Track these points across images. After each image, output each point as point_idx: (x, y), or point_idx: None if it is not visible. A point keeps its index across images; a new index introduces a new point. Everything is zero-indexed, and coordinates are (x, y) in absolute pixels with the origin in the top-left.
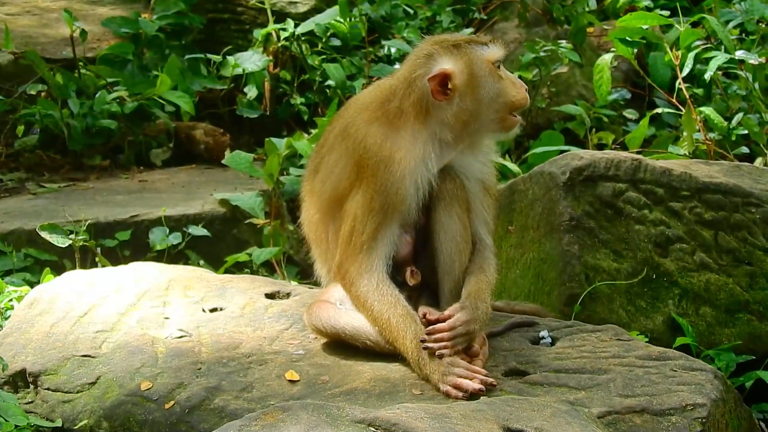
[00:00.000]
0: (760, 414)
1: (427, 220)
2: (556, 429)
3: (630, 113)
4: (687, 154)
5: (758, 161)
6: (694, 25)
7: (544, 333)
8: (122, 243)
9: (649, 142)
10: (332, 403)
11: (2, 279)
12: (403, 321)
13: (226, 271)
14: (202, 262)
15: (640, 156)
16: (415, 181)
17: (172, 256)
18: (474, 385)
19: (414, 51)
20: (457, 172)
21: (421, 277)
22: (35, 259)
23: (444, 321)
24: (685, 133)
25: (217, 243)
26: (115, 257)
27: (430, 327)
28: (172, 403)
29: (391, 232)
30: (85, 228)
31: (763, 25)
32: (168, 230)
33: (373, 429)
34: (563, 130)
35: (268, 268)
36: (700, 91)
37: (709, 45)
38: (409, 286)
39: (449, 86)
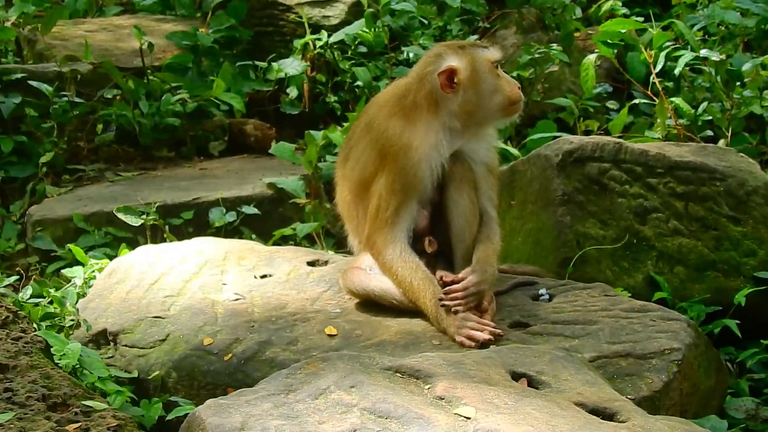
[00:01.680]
0: (727, 356)
1: (441, 198)
2: (554, 372)
3: (612, 104)
4: (661, 137)
5: (721, 142)
6: (665, 28)
7: (542, 291)
8: (186, 222)
9: (629, 128)
10: (364, 354)
11: (86, 254)
12: (423, 283)
13: (274, 244)
14: (254, 236)
15: (621, 140)
16: (429, 165)
17: (229, 232)
18: (484, 335)
19: (426, 53)
20: (465, 157)
21: (437, 245)
22: (114, 236)
23: (458, 282)
24: (658, 120)
25: (266, 220)
26: (180, 234)
27: (446, 288)
28: (230, 355)
29: (410, 208)
30: (154, 209)
31: (723, 28)
32: (224, 210)
33: (399, 375)
34: (556, 119)
35: (309, 240)
36: (670, 84)
37: (677, 45)
38: (428, 254)
39: (455, 80)
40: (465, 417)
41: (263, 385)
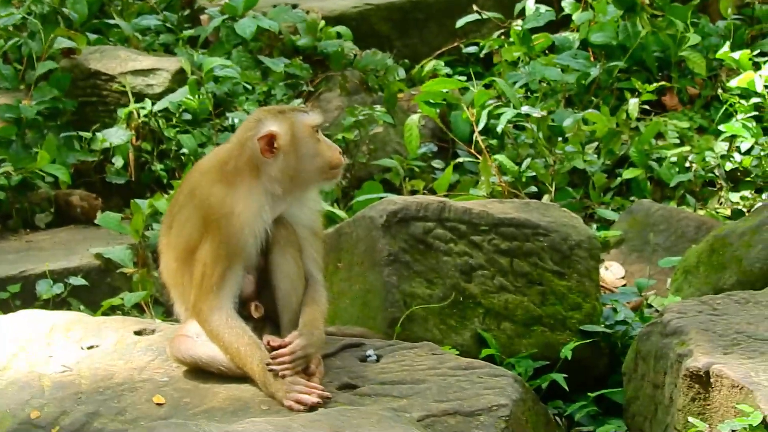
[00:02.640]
0: (555, 410)
1: (266, 262)
2: None
3: (437, 163)
4: (485, 195)
5: (545, 198)
6: (487, 86)
7: (370, 352)
8: (14, 295)
9: (455, 187)
10: (192, 422)
11: None
12: (249, 348)
13: (103, 314)
14: (82, 307)
15: (445, 199)
16: (252, 231)
17: (57, 303)
18: (312, 399)
19: (247, 118)
20: (288, 221)
21: (263, 310)
22: None
23: (285, 347)
24: (482, 178)
25: (95, 291)
26: (7, 308)
27: (274, 352)
28: (57, 428)
29: (235, 274)
30: None
31: (545, 84)
32: (52, 282)
33: None
34: (382, 180)
35: (139, 309)
36: (495, 142)
37: (500, 103)
38: (254, 319)
39: (275, 145)
40: None
41: None
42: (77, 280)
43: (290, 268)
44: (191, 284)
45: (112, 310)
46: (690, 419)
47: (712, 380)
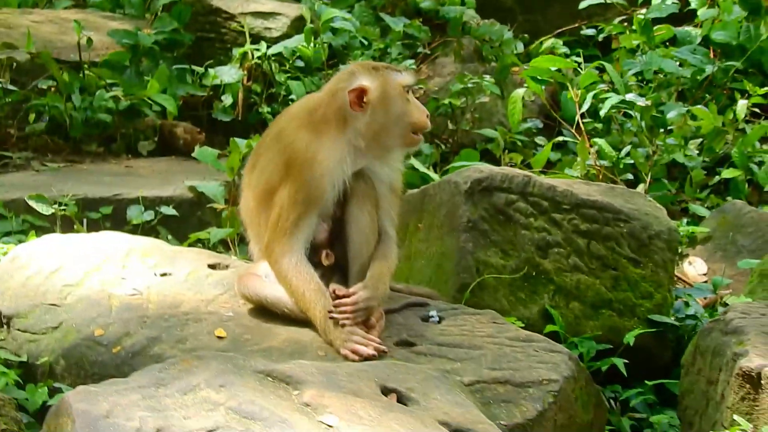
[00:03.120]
0: (613, 393)
1: (342, 213)
2: (425, 390)
3: (540, 140)
4: (579, 176)
5: (640, 187)
6: (601, 71)
7: (432, 312)
8: (105, 216)
9: (555, 165)
10: (239, 355)
11: (1, 239)
12: (314, 294)
13: (189, 246)
14: (170, 237)
15: (531, 173)
16: (332, 180)
17: (146, 230)
18: (368, 350)
19: (341, 70)
20: (368, 175)
21: (334, 259)
22: (30, 224)
23: (349, 297)
24: (579, 159)
25: (184, 222)
26: (97, 228)
27: (337, 301)
28: (119, 348)
29: (310, 221)
30: (69, 200)
31: (662, 76)
32: (143, 208)
33: (270, 379)
34: (483, 150)
35: (224, 246)
36: (600, 125)
37: (607, 88)
38: (324, 266)
39: (365, 99)
40: (327, 425)
41: (135, 376)
42: (168, 210)
43: (365, 221)
44: (267, 225)
45: (200, 244)
46: (735, 417)
47: (763, 381)
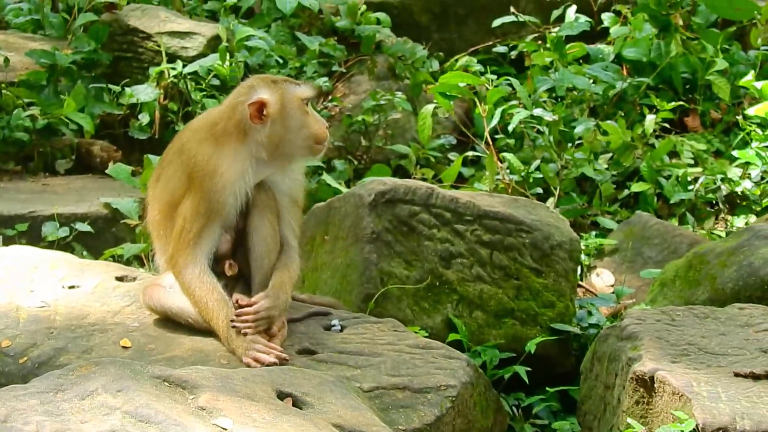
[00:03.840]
0: (516, 401)
1: (245, 224)
2: (320, 394)
3: (453, 156)
4: (488, 190)
5: (549, 201)
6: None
7: (335, 321)
8: (20, 233)
9: (467, 180)
10: (137, 362)
11: None
12: (217, 304)
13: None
14: (85, 253)
15: (434, 186)
16: (234, 191)
17: (62, 246)
18: (269, 358)
19: (241, 84)
20: (270, 186)
21: (237, 269)
22: None
23: (251, 306)
24: (487, 173)
25: (99, 238)
26: (14, 244)
27: (239, 310)
28: (25, 359)
29: (213, 232)
30: None
31: (574, 92)
32: (59, 225)
33: (167, 384)
34: (397, 166)
35: (138, 261)
36: (512, 141)
37: (518, 104)
38: (227, 277)
39: (264, 112)
40: (222, 428)
41: (35, 382)
42: (83, 226)
43: (266, 232)
44: (171, 237)
45: (113, 260)
46: (629, 420)
47: (656, 385)
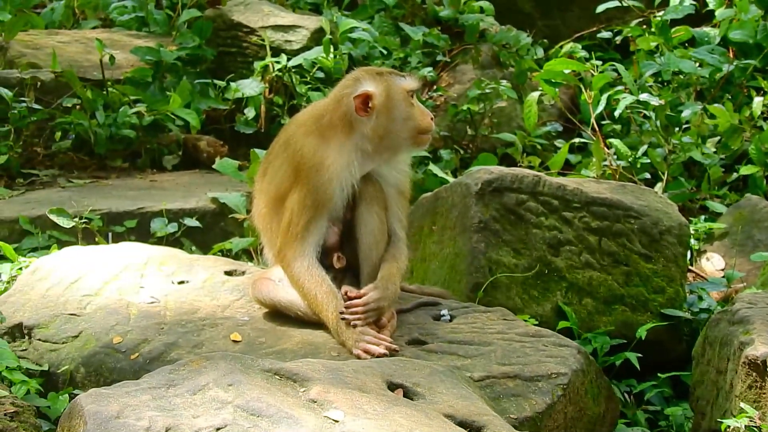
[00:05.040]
0: (628, 387)
1: (352, 216)
2: (431, 384)
3: (560, 143)
4: (595, 176)
5: (658, 186)
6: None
7: (444, 311)
8: (129, 230)
9: (575, 168)
10: (247, 356)
11: (28, 255)
12: (326, 296)
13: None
14: (194, 248)
15: (541, 173)
16: (340, 183)
17: (171, 242)
18: (379, 349)
19: (346, 76)
20: (376, 178)
21: (345, 261)
22: (57, 239)
23: (360, 298)
24: (594, 160)
25: (207, 233)
26: (123, 241)
27: (348, 302)
28: (137, 354)
29: (320, 224)
30: (96, 215)
31: (680, 76)
32: (167, 220)
33: (277, 377)
34: (504, 155)
35: (247, 255)
36: (618, 127)
37: (624, 89)
38: (336, 269)
39: (370, 105)
40: (333, 420)
41: (146, 378)
42: (191, 221)
43: (374, 224)
44: (279, 230)
45: (222, 254)
46: (742, 405)
47: None
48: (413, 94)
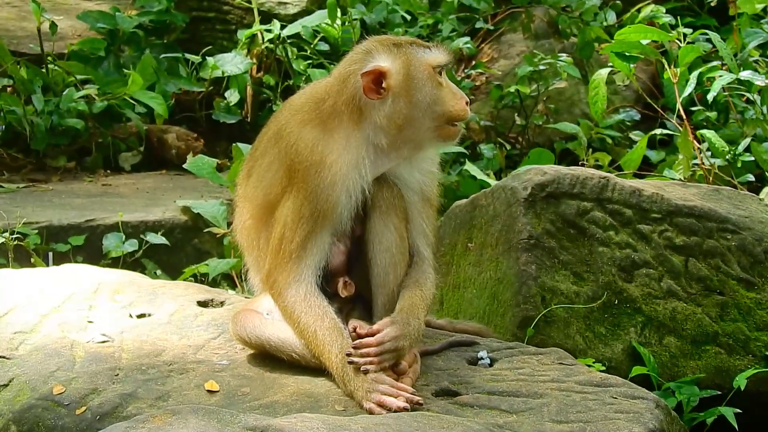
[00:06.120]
0: None
1: (363, 230)
2: None
3: (637, 135)
4: (683, 179)
5: (764, 191)
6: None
7: (482, 354)
8: (75, 248)
9: (655, 167)
10: (226, 410)
11: None
12: (329, 334)
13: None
14: (158, 272)
15: (610, 174)
16: (346, 188)
17: (129, 264)
18: (398, 403)
19: (354, 48)
20: (394, 181)
21: (354, 288)
22: None
23: (373, 335)
24: (681, 157)
25: (177, 252)
26: (67, 262)
27: (358, 341)
28: (83, 408)
29: (321, 241)
30: (33, 231)
31: None
32: (124, 237)
33: None
34: (563, 150)
35: (228, 281)
36: (713, 114)
37: (715, 65)
38: (341, 298)
39: (384, 85)
40: None
41: None
42: (156, 238)
43: (391, 240)
44: (268, 248)
45: (195, 280)
46: None
47: None
48: (442, 70)
